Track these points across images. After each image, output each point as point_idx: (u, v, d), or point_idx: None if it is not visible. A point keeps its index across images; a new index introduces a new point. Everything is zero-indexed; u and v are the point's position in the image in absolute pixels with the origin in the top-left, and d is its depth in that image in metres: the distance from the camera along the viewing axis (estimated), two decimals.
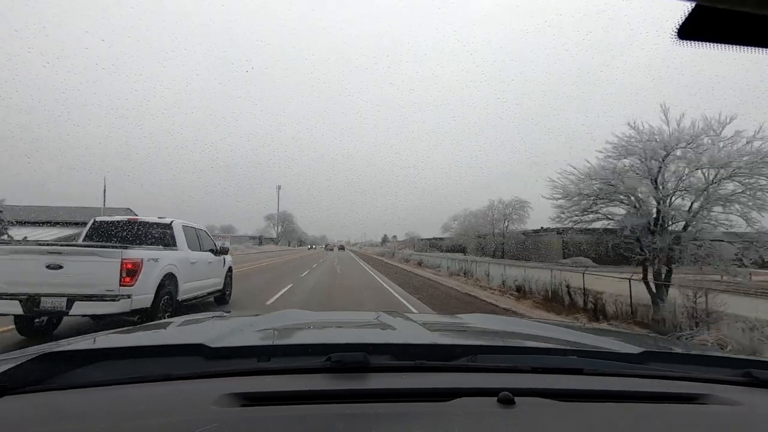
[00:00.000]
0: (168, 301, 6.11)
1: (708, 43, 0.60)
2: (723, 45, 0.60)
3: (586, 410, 0.85)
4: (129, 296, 5.18)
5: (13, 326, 5.47)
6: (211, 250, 8.45)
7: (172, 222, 7.32)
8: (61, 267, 5.03)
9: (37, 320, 5.47)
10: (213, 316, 1.82)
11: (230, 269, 9.55)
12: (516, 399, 0.81)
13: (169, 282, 6.14)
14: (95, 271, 5.11)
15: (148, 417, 0.75)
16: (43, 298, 4.94)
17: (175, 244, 7.03)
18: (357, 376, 0.92)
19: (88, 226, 7.10)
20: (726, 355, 1.59)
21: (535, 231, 47.08)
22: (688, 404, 0.89)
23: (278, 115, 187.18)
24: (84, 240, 6.82)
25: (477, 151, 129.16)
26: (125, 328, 1.59)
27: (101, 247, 5.52)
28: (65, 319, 5.68)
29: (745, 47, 0.61)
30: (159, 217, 7.47)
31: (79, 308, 4.98)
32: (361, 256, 50.54)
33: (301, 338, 1.49)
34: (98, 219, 7.25)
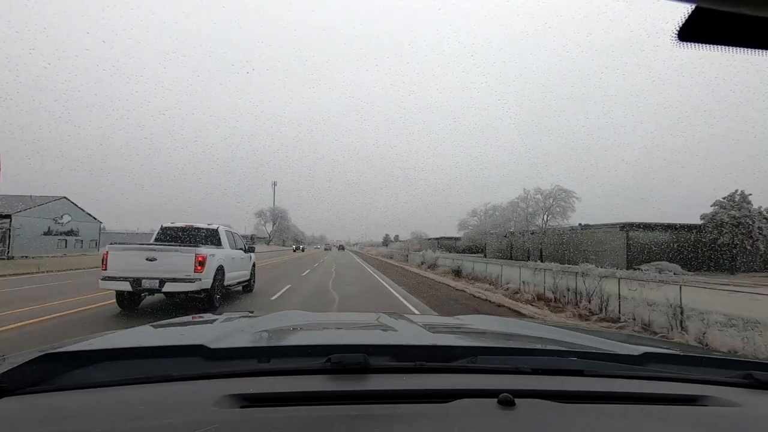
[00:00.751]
0: (219, 285, 8.34)
1: (708, 45, 0.59)
2: (723, 47, 0.59)
3: (587, 412, 0.83)
4: (200, 279, 7.57)
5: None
6: (242, 249, 10.55)
7: (218, 228, 9.66)
8: (155, 259, 7.49)
9: (142, 295, 7.97)
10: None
11: (254, 264, 11.71)
12: (516, 400, 0.79)
13: (220, 271, 8.37)
14: (178, 262, 7.53)
15: (148, 418, 0.74)
16: (143, 280, 7.38)
17: (221, 244, 9.26)
18: (357, 378, 0.90)
19: (157, 230, 9.61)
20: (726, 356, 1.44)
21: (584, 227, 37.86)
22: (688, 406, 0.88)
23: (278, 116, 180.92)
24: (154, 241, 9.10)
25: (477, 152, 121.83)
26: (126, 329, 1.55)
27: (182, 245, 8.05)
28: (146, 298, 8.50)
29: (745, 49, 0.60)
30: (207, 224, 9.80)
31: (168, 287, 7.45)
32: (366, 259, 40.61)
33: (301, 339, 1.46)
34: (164, 225, 9.67)
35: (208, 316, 1.92)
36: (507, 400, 0.78)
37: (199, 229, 9.53)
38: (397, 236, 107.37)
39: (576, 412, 0.81)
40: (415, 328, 1.56)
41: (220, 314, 1.97)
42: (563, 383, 0.95)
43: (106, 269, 7.49)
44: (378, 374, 0.92)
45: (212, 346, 1.01)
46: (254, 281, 11.48)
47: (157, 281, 7.34)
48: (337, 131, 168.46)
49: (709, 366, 1.17)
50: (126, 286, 7.37)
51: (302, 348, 1.18)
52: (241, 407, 0.77)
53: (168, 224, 9.68)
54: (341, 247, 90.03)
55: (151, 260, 7.42)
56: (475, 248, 50.94)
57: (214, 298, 7.97)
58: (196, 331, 1.59)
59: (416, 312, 9.01)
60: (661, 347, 1.47)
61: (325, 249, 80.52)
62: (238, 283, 10.08)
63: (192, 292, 7.56)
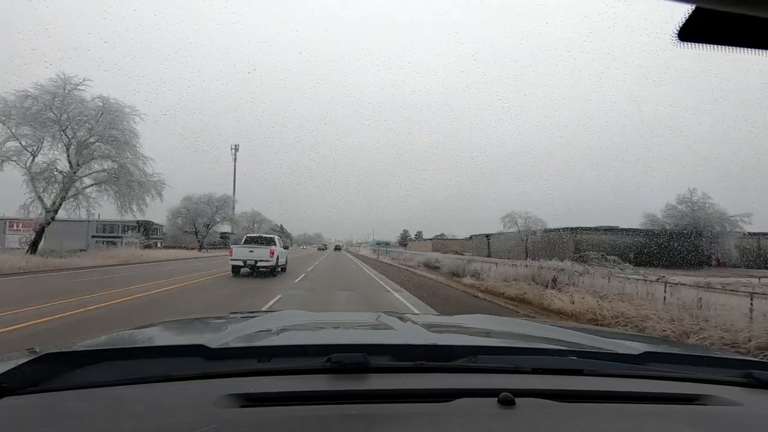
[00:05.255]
0: (276, 264, 15.92)
1: (708, 45, 0.58)
2: (723, 47, 0.59)
3: (587, 411, 0.80)
4: (272, 261, 15.68)
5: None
6: (283, 246, 18.45)
7: (274, 236, 18.05)
8: (253, 251, 15.67)
9: (243, 268, 15.56)
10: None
11: (287, 256, 19.54)
12: (516, 400, 0.77)
13: (277, 258, 15.96)
14: (263, 252, 15.56)
15: (148, 418, 0.73)
16: (248, 261, 15.44)
17: (276, 244, 16.70)
18: (357, 377, 0.88)
19: (245, 238, 17.75)
20: (726, 356, 1.38)
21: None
22: (688, 405, 0.86)
23: (279, 115, 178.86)
24: (244, 243, 16.79)
25: (476, 151, 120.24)
26: (126, 330, 1.48)
27: (264, 245, 16.50)
28: (242, 270, 15.79)
29: (745, 49, 0.59)
30: (268, 235, 19.08)
31: (259, 264, 15.42)
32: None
33: (301, 339, 1.42)
34: (248, 235, 18.53)
35: (208, 316, 1.90)
36: (507, 399, 0.76)
37: (264, 237, 17.82)
38: (420, 233, 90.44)
39: (576, 412, 0.78)
40: (415, 327, 1.52)
41: (220, 314, 1.95)
42: (563, 382, 0.92)
43: (231, 256, 15.77)
44: (378, 374, 0.90)
45: (212, 346, 0.98)
46: (287, 266, 18.81)
47: (254, 261, 15.19)
48: (339, 130, 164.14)
49: (709, 365, 1.13)
50: (240, 264, 15.30)
51: (302, 348, 1.15)
52: (241, 407, 0.75)
53: (249, 234, 18.90)
54: (337, 248, 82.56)
55: (251, 251, 15.43)
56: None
57: (276, 270, 15.80)
58: (196, 330, 1.56)
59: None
60: (661, 346, 1.41)
61: (319, 249, 75.98)
62: (280, 266, 16.94)
63: (268, 266, 15.32)
